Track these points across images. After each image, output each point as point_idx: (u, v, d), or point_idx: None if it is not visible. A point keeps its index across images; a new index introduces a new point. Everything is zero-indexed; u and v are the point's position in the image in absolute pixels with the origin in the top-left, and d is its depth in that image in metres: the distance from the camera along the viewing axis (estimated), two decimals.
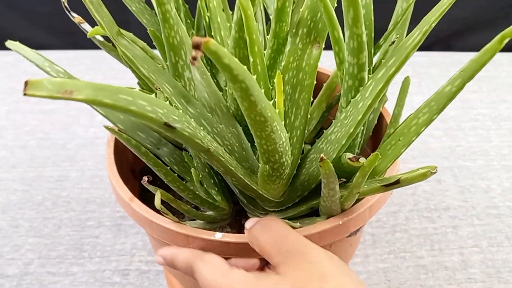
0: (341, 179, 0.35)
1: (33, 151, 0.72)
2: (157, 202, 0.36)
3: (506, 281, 0.54)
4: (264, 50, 0.38)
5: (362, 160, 0.31)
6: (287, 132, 0.36)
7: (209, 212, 0.43)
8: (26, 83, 0.22)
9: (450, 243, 0.58)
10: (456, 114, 0.80)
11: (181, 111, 0.35)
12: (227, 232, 0.44)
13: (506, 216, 0.62)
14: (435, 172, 0.29)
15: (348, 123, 0.34)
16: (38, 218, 0.62)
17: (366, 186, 0.34)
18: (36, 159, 0.71)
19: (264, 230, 0.33)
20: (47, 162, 0.70)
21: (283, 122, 0.32)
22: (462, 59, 0.96)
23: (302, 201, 0.39)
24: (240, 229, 0.44)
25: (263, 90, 0.30)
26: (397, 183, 0.30)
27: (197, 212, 0.41)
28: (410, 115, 0.34)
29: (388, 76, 0.31)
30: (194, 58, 0.22)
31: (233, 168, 0.34)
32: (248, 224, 0.35)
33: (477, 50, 0.28)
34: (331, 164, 0.31)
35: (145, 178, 0.36)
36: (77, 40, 0.92)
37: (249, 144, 0.38)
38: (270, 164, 0.34)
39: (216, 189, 0.41)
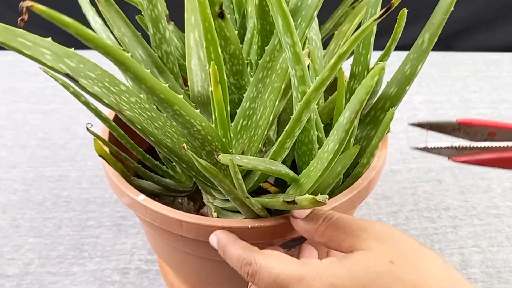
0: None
1: (33, 151, 0.72)
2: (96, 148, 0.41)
3: (506, 281, 0.54)
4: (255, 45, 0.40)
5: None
6: (253, 129, 0.37)
7: (168, 181, 0.44)
8: None
9: (450, 243, 0.58)
10: (456, 114, 0.80)
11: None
12: (186, 203, 0.47)
13: (506, 216, 0.62)
14: (323, 202, 0.31)
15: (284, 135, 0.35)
16: (38, 218, 0.62)
17: (273, 198, 0.36)
18: (36, 159, 0.71)
19: (327, 221, 0.33)
20: (47, 162, 0.70)
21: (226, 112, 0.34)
22: (463, 59, 0.97)
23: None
24: (203, 204, 0.46)
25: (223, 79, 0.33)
26: (293, 203, 0.33)
27: (146, 172, 0.43)
28: (324, 142, 0.34)
29: (305, 101, 0.31)
30: (22, 20, 0.24)
31: (163, 141, 0.37)
32: (297, 214, 0.34)
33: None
34: (204, 162, 0.32)
35: (88, 125, 0.40)
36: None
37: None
38: (201, 151, 0.36)
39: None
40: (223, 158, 0.31)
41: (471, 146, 0.36)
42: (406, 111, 0.79)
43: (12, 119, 0.78)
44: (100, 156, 0.41)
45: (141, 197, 0.38)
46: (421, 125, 0.38)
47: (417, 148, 0.38)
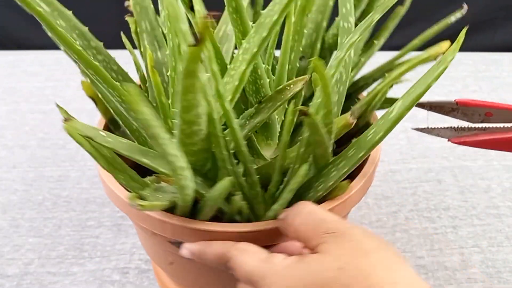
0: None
1: (33, 151, 0.72)
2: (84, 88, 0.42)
3: (506, 281, 0.54)
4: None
5: None
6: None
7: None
8: None
9: (450, 243, 0.58)
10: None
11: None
12: None
13: (506, 216, 0.62)
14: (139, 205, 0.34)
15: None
16: (38, 218, 0.62)
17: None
18: (36, 159, 0.71)
19: (298, 215, 0.34)
20: (47, 162, 0.70)
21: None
22: (462, 59, 0.97)
23: None
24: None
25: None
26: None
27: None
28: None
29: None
30: None
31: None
32: (281, 215, 0.35)
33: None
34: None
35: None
36: None
37: None
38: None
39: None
40: (66, 126, 0.32)
41: (469, 126, 0.40)
42: None
43: (12, 119, 0.79)
44: (89, 97, 0.41)
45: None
46: (421, 105, 0.42)
47: (419, 129, 0.41)
